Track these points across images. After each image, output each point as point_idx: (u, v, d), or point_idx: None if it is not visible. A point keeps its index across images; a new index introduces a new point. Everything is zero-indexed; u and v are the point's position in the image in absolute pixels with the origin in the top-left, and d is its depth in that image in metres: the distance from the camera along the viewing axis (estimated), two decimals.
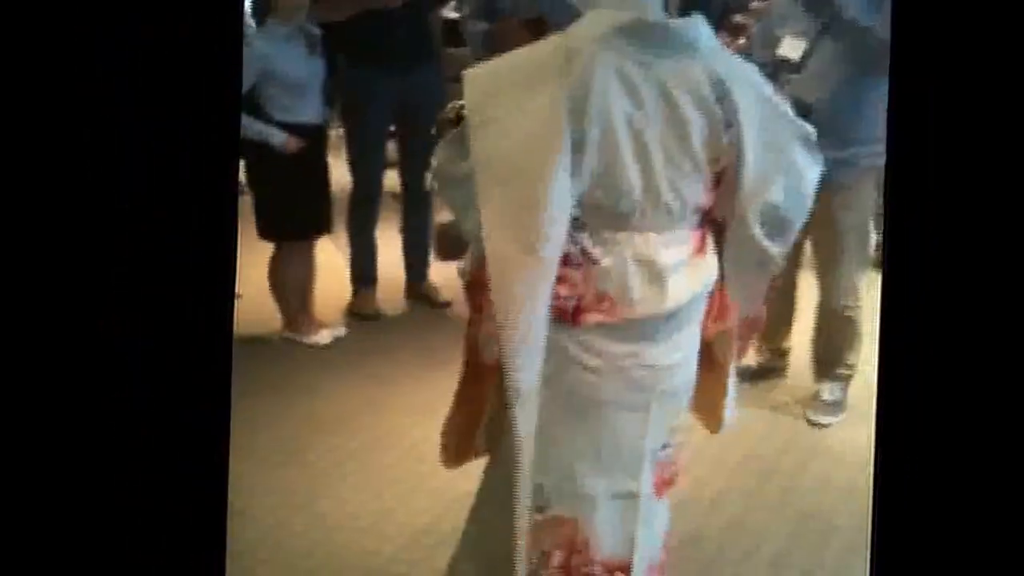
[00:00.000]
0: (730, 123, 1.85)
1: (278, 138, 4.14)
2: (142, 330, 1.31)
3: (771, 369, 4.01)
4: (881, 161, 3.37)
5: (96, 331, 1.28)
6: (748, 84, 1.92)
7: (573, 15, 1.93)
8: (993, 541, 1.32)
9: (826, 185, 3.39)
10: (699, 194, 1.90)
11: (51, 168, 1.25)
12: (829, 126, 3.30)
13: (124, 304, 1.29)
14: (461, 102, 1.93)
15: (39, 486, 1.26)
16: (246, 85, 4.06)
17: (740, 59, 2.03)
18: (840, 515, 3.01)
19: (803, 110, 3.29)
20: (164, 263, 1.32)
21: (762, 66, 3.54)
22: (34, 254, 1.23)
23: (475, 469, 2.17)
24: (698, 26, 1.89)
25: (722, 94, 1.84)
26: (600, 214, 1.85)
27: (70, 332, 1.27)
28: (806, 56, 3.42)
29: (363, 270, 4.78)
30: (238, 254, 1.41)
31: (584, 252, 1.86)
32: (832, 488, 3.21)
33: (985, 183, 1.32)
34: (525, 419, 1.84)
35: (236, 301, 4.62)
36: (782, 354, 4.02)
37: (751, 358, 3.95)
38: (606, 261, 1.85)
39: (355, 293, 4.80)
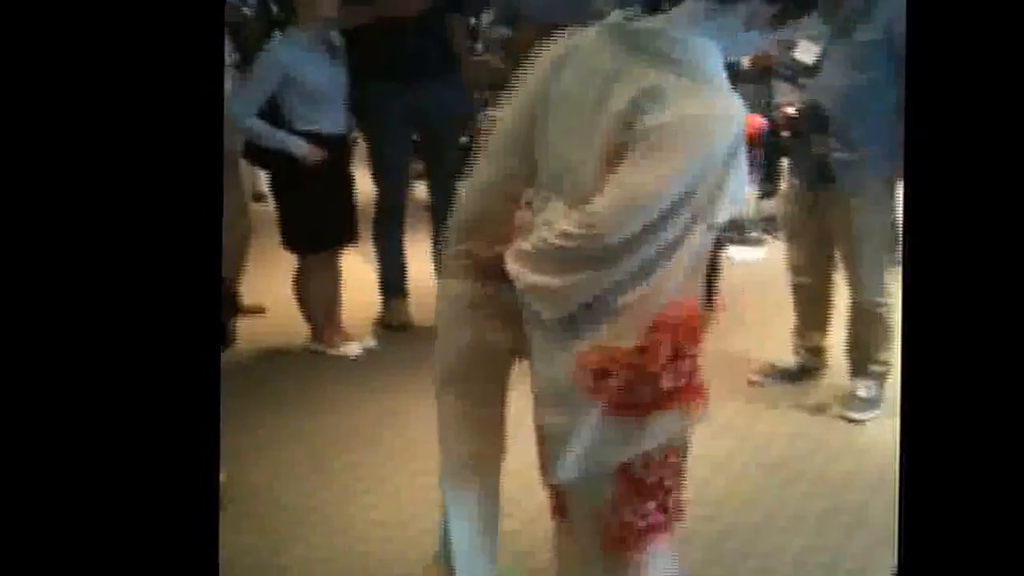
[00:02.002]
0: (631, 125, 1.74)
1: (300, 148, 4.07)
2: (121, 333, 1.27)
3: (808, 369, 4.01)
4: (893, 163, 3.39)
5: (76, 334, 1.25)
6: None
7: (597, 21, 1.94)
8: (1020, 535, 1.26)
9: (843, 187, 3.52)
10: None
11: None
12: (842, 130, 3.48)
13: (105, 306, 1.26)
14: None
15: (32, 490, 1.23)
16: (267, 93, 4.05)
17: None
18: (870, 509, 3.03)
19: (820, 113, 3.47)
20: (143, 264, 1.28)
21: (783, 67, 3.67)
22: None
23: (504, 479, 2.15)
24: (700, 47, 1.77)
25: (648, 103, 1.73)
26: (543, 175, 1.91)
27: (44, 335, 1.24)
28: (820, 60, 3.50)
29: (392, 281, 4.75)
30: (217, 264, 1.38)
31: (527, 203, 1.93)
32: (862, 483, 3.21)
33: (1005, 178, 1.27)
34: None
35: (263, 315, 4.64)
36: (819, 353, 4.01)
37: (790, 359, 3.99)
38: (527, 216, 1.90)
39: (385, 304, 4.77)
